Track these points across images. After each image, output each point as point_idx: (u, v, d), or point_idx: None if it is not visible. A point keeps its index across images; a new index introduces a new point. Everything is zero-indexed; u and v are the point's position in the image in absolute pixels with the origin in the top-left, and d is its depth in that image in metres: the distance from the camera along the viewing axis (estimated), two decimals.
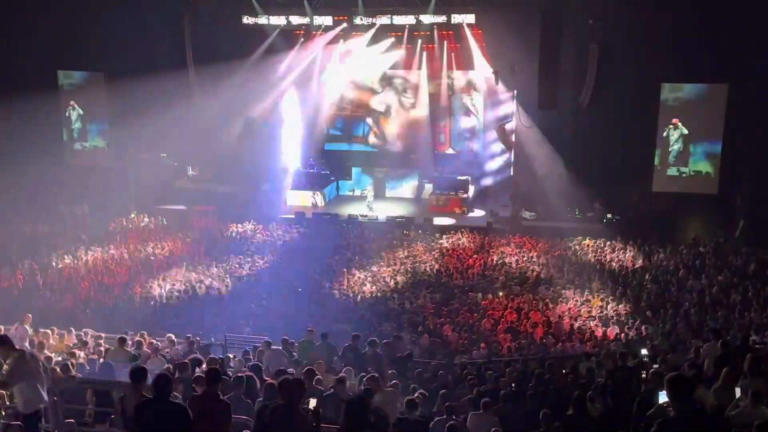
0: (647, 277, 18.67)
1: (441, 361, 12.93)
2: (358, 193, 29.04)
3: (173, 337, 12.70)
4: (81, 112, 27.80)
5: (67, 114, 27.95)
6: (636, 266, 19.86)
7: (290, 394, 5.88)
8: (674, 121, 23.34)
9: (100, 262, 20.00)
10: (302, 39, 27.75)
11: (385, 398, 8.56)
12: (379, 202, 27.80)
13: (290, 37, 27.63)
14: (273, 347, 11.56)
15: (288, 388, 5.95)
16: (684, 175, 23.59)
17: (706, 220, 23.00)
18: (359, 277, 19.33)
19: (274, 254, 21.41)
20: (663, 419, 5.15)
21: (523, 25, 24.03)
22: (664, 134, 23.50)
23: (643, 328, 14.79)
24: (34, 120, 25.17)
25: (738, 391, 7.88)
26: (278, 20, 26.60)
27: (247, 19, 26.44)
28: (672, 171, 23.69)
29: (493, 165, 28.43)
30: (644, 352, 11.57)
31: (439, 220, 25.26)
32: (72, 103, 27.74)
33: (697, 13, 21.41)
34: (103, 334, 12.85)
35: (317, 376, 9.23)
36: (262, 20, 26.46)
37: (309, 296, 17.95)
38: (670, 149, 23.55)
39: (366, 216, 25.62)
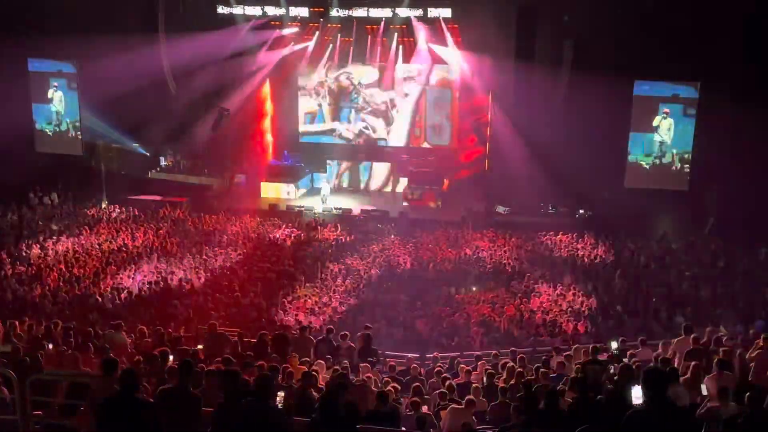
0: (618, 272, 18.85)
1: (413, 354, 12.96)
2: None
3: (144, 329, 12.57)
4: (62, 97, 27.39)
5: (49, 95, 27.56)
6: (607, 261, 20.04)
7: (260, 389, 5.83)
8: (665, 110, 23.57)
9: (70, 252, 19.73)
10: (278, 29, 27.61)
11: (357, 391, 8.56)
12: (354, 195, 27.79)
13: (266, 28, 27.48)
14: None
15: (257, 384, 5.91)
16: (659, 165, 23.90)
17: (677, 216, 23.26)
18: (333, 270, 19.31)
19: (247, 246, 21.27)
20: (634, 410, 5.20)
21: (499, 20, 24.11)
22: (654, 123, 23.74)
23: (612, 322, 14.97)
24: (3, 107, 24.73)
25: (703, 388, 8.01)
26: (253, 10, 26.47)
27: (221, 9, 26.24)
28: (647, 161, 23.98)
29: (467, 160, 28.53)
30: (614, 346, 11.68)
31: (414, 214, 25.28)
32: (55, 84, 27.34)
33: (670, 12, 21.68)
34: (72, 326, 12.67)
35: (289, 370, 9.21)
36: (237, 10, 26.28)
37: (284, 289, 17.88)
38: (659, 140, 23.78)
39: (340, 209, 25.55)
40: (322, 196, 26.46)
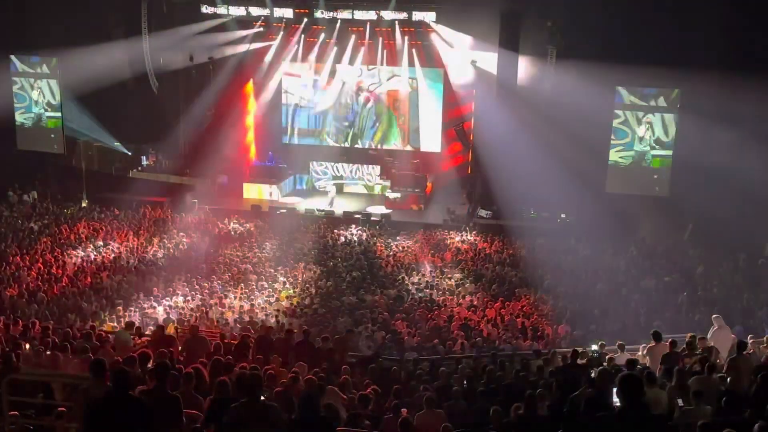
0: (598, 276, 18.96)
1: (394, 357, 12.96)
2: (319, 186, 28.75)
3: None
4: (44, 93, 27.11)
5: (31, 92, 27.26)
6: (587, 266, 20.15)
7: (251, 388, 5.82)
8: (648, 120, 23.72)
9: (49, 251, 19.54)
10: (262, 30, 27.54)
11: (337, 394, 8.56)
12: (338, 197, 27.73)
13: (250, 29, 27.40)
14: None
15: (248, 383, 5.90)
16: (638, 168, 24.14)
17: (657, 221, 23.43)
18: (314, 271, 19.28)
19: (229, 246, 21.19)
20: (609, 415, 5.21)
21: (483, 24, 24.20)
22: (639, 134, 23.95)
23: (592, 326, 15.03)
24: None
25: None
26: (237, 11, 26.37)
27: (205, 8, 26.12)
28: (625, 162, 24.22)
29: (450, 163, 28.60)
30: (594, 348, 11.77)
31: (396, 217, 25.28)
32: (37, 81, 27.05)
33: (650, 19, 21.90)
34: (50, 325, 12.56)
35: (270, 372, 9.18)
36: (221, 10, 26.17)
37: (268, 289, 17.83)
38: (642, 149, 23.97)
39: (323, 210, 25.50)
40: (331, 199, 26.40)
